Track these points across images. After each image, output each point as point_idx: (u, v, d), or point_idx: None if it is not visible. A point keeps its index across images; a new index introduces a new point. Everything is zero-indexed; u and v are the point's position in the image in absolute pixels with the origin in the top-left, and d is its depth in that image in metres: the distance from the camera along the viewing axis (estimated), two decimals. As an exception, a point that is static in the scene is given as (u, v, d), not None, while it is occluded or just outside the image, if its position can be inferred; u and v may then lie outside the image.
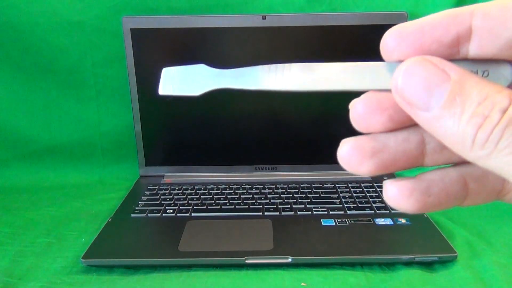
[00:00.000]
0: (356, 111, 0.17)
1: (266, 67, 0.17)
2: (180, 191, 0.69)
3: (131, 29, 0.69)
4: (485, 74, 0.15)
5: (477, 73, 0.15)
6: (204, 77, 0.18)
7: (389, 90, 0.16)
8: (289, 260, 0.50)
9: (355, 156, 0.16)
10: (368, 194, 0.66)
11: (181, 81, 0.18)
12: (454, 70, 0.14)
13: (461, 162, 0.17)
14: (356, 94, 0.17)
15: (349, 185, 0.70)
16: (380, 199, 0.64)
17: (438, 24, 0.15)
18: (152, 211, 0.63)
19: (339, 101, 0.76)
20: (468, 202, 0.18)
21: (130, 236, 0.57)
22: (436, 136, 0.15)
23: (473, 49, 0.15)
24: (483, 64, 0.15)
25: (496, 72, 0.15)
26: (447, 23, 0.15)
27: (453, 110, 0.13)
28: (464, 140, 0.13)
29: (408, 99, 0.14)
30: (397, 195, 0.17)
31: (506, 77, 0.15)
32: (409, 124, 0.17)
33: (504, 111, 0.13)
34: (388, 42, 0.16)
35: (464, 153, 0.14)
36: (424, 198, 0.17)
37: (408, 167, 0.17)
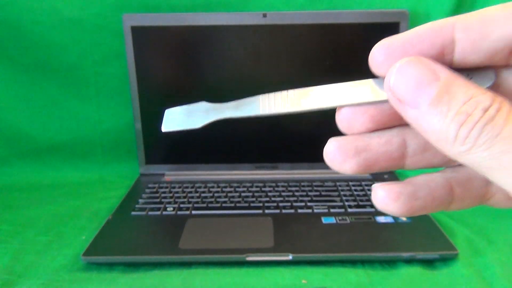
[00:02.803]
0: (341, 113, 0.18)
1: (264, 96, 0.18)
2: (180, 189, 0.69)
3: (131, 27, 0.69)
4: (469, 77, 0.16)
5: None
6: (205, 111, 0.18)
7: (376, 103, 0.17)
8: (290, 257, 0.50)
9: (338, 154, 0.18)
10: (368, 192, 0.66)
11: (184, 119, 0.18)
12: (443, 71, 0.15)
13: (445, 165, 0.18)
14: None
15: (350, 183, 0.70)
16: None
17: (423, 37, 0.16)
18: (152, 209, 0.63)
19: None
20: (454, 206, 0.19)
21: (131, 234, 0.57)
22: (422, 133, 0.15)
23: (457, 58, 0.16)
24: (466, 70, 0.16)
25: (479, 76, 0.16)
26: (431, 36, 0.16)
27: (440, 108, 0.14)
28: (448, 136, 0.14)
29: (399, 96, 0.15)
30: (385, 198, 0.18)
31: (488, 81, 0.16)
32: (391, 125, 0.18)
33: (485, 110, 0.13)
34: (377, 56, 0.16)
35: (446, 149, 0.15)
36: (411, 201, 0.18)
37: (389, 168, 0.18)
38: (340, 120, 0.18)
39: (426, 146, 0.17)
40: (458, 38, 0.15)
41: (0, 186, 0.75)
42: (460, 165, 0.16)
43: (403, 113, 0.15)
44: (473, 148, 0.14)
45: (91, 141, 0.80)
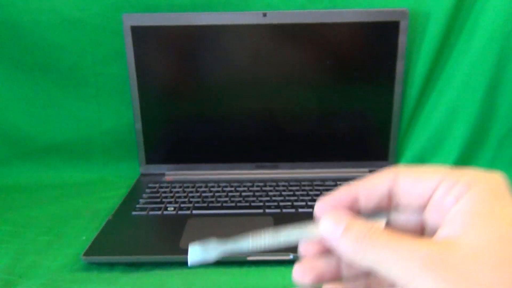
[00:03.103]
0: (300, 244, 0.27)
1: (253, 237, 0.26)
2: (181, 189, 0.69)
3: (131, 26, 0.69)
4: (370, 218, 0.26)
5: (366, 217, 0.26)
6: (215, 247, 0.26)
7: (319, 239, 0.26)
8: (291, 257, 0.50)
9: (300, 272, 0.26)
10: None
11: (202, 253, 0.27)
12: (347, 218, 0.24)
13: (366, 273, 0.27)
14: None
15: (350, 182, 0.69)
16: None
17: (340, 199, 0.26)
18: (153, 209, 0.63)
19: (339, 100, 0.76)
20: None
21: (131, 234, 0.57)
22: (340, 254, 0.23)
23: (362, 206, 0.26)
24: (372, 213, 0.26)
25: (378, 217, 0.26)
26: (344, 198, 0.26)
27: (344, 238, 0.23)
28: (350, 252, 0.23)
29: (325, 234, 0.24)
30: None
31: (383, 220, 0.26)
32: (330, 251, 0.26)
33: (367, 233, 0.22)
34: (317, 209, 0.26)
35: (354, 260, 0.23)
36: (318, 278, 0.27)
37: (333, 278, 0.27)
38: (301, 248, 0.27)
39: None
40: (359, 197, 0.26)
41: (0, 186, 0.75)
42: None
43: (330, 245, 0.24)
44: (364, 256, 0.22)
45: (91, 141, 0.80)
